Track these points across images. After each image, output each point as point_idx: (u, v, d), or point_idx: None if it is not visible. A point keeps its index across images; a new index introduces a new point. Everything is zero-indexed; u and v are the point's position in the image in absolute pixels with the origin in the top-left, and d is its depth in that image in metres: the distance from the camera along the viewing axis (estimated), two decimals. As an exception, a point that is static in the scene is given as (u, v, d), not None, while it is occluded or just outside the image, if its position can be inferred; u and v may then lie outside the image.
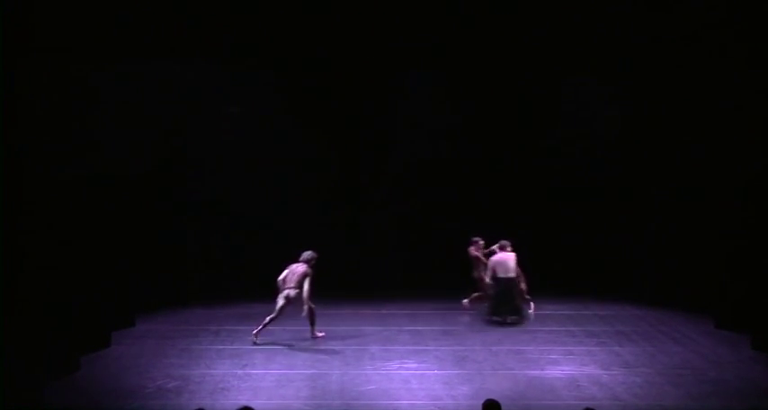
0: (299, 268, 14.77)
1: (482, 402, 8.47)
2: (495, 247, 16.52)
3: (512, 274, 15.97)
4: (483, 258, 16.66)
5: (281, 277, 14.75)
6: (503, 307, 15.98)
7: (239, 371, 12.88)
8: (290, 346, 14.34)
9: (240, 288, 17.95)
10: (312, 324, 14.87)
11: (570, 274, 18.16)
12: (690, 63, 16.60)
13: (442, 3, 17.80)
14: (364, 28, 17.86)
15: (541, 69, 18.55)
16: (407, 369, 13.15)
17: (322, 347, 14.25)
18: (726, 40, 15.43)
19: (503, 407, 8.41)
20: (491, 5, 17.75)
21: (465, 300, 16.87)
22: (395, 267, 18.92)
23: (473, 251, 16.80)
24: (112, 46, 15.42)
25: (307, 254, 14.94)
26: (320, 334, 14.99)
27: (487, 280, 16.19)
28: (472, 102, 19.02)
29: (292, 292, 14.60)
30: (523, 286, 16.32)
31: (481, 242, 16.86)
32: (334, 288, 18.01)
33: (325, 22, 17.76)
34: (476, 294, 16.79)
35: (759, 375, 12.82)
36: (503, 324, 15.83)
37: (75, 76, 14.12)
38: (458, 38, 18.12)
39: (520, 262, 16.14)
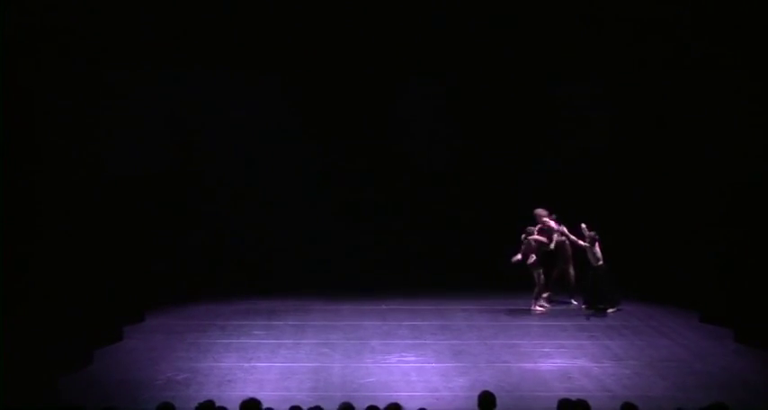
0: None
1: (478, 394, 8.51)
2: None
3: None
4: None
5: None
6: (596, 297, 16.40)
7: (245, 364, 13.01)
8: (293, 340, 14.45)
9: (246, 284, 18.00)
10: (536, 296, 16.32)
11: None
12: (685, 62, 16.53)
13: (444, 7, 17.87)
14: (366, 33, 18.02)
15: (541, 73, 18.70)
16: (406, 362, 13.26)
17: (324, 341, 14.32)
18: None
19: (497, 399, 8.44)
20: (491, 11, 17.89)
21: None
22: (395, 264, 18.92)
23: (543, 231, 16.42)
24: (126, 48, 15.47)
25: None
26: (538, 309, 16.26)
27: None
28: (474, 107, 19.13)
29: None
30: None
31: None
32: (334, 284, 18.21)
33: (327, 26, 17.93)
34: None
35: (742, 367, 12.97)
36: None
37: (86, 78, 14.19)
38: (459, 45, 18.24)
39: None
